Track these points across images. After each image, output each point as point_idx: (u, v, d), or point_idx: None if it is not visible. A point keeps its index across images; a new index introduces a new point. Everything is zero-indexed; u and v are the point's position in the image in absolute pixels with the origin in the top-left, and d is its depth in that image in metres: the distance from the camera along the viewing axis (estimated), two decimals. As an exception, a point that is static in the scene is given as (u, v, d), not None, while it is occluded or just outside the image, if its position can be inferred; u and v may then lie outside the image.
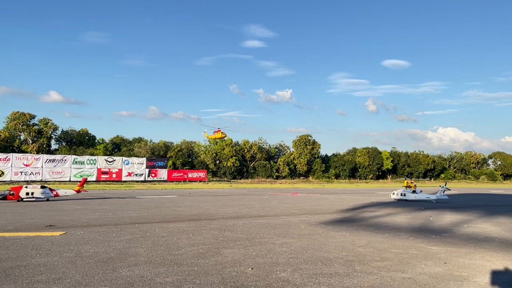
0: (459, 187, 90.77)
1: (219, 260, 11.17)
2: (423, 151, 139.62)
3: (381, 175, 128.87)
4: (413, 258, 11.99)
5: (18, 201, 31.83)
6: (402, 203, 35.74)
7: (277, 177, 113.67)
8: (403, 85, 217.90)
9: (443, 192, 36.94)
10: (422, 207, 32.21)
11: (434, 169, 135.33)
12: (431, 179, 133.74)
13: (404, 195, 38.20)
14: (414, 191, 38.54)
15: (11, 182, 66.96)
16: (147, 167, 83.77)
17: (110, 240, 14.15)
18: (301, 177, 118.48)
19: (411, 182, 45.52)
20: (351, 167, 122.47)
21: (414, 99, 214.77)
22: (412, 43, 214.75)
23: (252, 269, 10.24)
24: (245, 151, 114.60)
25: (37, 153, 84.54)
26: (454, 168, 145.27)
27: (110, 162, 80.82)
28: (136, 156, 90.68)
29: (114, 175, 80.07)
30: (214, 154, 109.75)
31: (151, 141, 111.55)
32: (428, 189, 64.94)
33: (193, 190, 59.45)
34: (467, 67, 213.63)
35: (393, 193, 39.79)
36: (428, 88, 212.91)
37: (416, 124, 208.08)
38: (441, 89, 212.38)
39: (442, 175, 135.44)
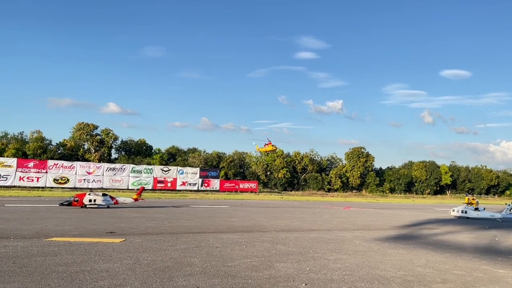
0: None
1: (272, 274, 11.14)
2: (485, 166, 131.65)
3: (439, 190, 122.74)
4: (477, 281, 11.28)
5: (82, 207, 33.72)
6: (463, 221, 33.88)
7: (329, 190, 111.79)
8: (463, 96, 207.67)
9: (510, 210, 34.56)
10: (486, 225, 30.33)
11: (499, 185, 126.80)
12: (495, 195, 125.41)
13: (466, 213, 36.22)
14: (476, 209, 36.43)
15: (75, 188, 71.11)
16: (200, 177, 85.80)
17: (166, 249, 14.58)
18: (353, 191, 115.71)
19: (473, 199, 42.84)
20: (406, 181, 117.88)
21: (475, 111, 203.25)
22: (475, 52, 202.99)
23: (306, 284, 10.12)
24: (296, 163, 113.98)
25: (99, 161, 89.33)
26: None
27: (165, 171, 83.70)
28: (190, 166, 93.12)
29: (169, 184, 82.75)
30: (265, 165, 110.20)
31: (204, 151, 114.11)
32: (492, 206, 60.90)
33: (245, 200, 59.92)
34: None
35: (453, 210, 37.91)
36: (491, 99, 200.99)
37: (476, 137, 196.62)
38: (506, 100, 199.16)
39: (508, 192, 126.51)
